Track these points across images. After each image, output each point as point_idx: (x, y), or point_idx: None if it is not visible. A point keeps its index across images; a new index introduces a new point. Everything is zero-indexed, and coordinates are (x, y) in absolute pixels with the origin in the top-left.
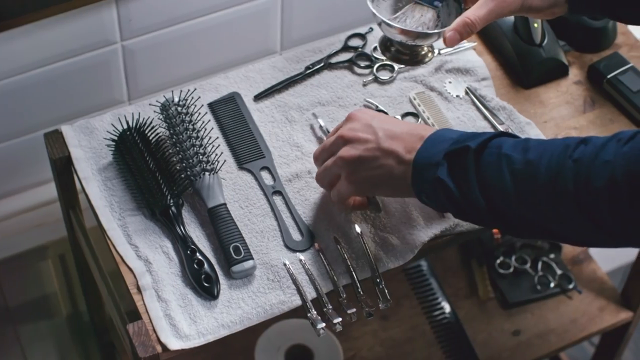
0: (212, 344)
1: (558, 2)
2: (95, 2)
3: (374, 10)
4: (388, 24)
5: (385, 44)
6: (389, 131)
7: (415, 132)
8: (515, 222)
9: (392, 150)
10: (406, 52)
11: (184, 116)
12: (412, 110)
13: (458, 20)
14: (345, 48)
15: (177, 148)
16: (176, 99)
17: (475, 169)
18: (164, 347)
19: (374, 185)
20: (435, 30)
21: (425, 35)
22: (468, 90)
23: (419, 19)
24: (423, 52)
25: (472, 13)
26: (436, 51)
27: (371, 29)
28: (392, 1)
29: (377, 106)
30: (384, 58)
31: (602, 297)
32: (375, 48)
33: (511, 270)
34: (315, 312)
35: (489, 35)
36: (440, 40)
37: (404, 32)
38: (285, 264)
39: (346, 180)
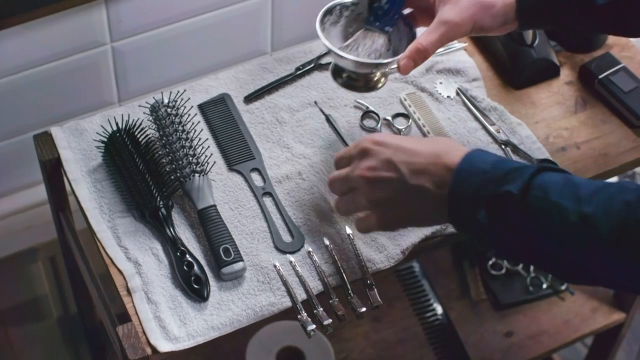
0: (203, 346)
1: (509, 20)
2: (85, 3)
3: (326, 42)
4: (341, 56)
5: (337, 71)
6: (412, 165)
7: (438, 161)
8: (567, 270)
9: (421, 187)
10: (359, 79)
11: (173, 117)
12: (402, 111)
13: (411, 47)
14: None
15: (167, 149)
16: (166, 101)
17: (521, 217)
18: (154, 349)
19: (406, 222)
20: (389, 60)
21: (379, 65)
22: (459, 91)
23: (371, 46)
24: (376, 79)
25: (425, 39)
26: (390, 76)
27: None
28: (341, 27)
29: (367, 107)
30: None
31: (595, 298)
32: None
33: (503, 271)
34: (305, 314)
35: (480, 36)
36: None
37: (357, 62)
38: (275, 266)
39: (377, 221)
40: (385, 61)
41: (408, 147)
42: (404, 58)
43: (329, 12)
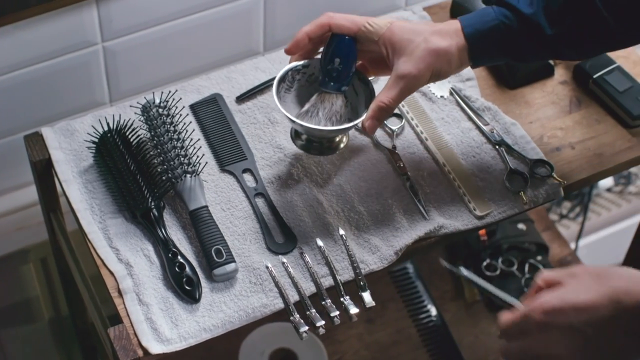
0: (195, 348)
1: (464, 61)
2: (76, 3)
3: (287, 114)
4: (305, 125)
5: (297, 134)
6: (595, 323)
7: (622, 307)
8: None
9: (612, 341)
10: (322, 142)
11: (165, 118)
12: (396, 111)
13: (374, 107)
14: None
15: (159, 150)
16: (157, 101)
17: None
18: (145, 351)
19: None
20: (352, 124)
21: (343, 129)
22: (452, 91)
23: (331, 108)
24: (338, 139)
25: (385, 95)
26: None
27: None
28: (296, 92)
29: None
30: None
31: None
32: None
33: (498, 272)
34: (298, 316)
35: None
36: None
37: (322, 129)
38: (267, 267)
39: None
40: (349, 125)
41: (583, 303)
42: (368, 119)
43: (282, 80)
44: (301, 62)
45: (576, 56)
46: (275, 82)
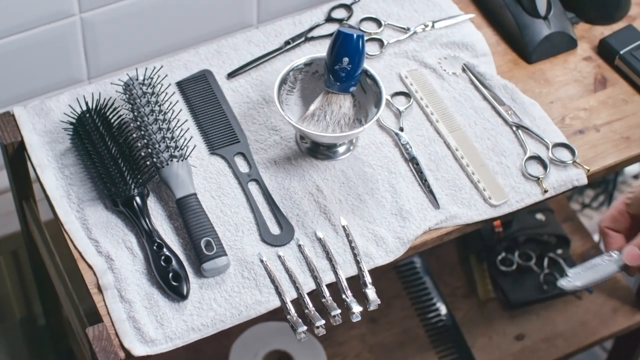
0: (182, 350)
1: None
2: None
3: (292, 121)
4: (310, 133)
5: (302, 136)
6: None
7: None
8: None
9: None
10: (328, 146)
11: (149, 96)
12: (403, 89)
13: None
14: (329, 20)
15: (142, 132)
16: (141, 78)
17: None
18: (128, 353)
19: None
20: (361, 128)
21: (353, 134)
22: (465, 67)
23: (339, 111)
24: (346, 143)
25: None
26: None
27: None
28: (299, 92)
29: None
30: (371, 31)
31: (615, 298)
32: (361, 20)
33: (514, 267)
34: (295, 314)
35: (488, 6)
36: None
37: (331, 136)
38: (262, 261)
39: None
40: (359, 130)
41: None
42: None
43: (283, 82)
44: (302, 60)
45: None
46: (275, 87)
